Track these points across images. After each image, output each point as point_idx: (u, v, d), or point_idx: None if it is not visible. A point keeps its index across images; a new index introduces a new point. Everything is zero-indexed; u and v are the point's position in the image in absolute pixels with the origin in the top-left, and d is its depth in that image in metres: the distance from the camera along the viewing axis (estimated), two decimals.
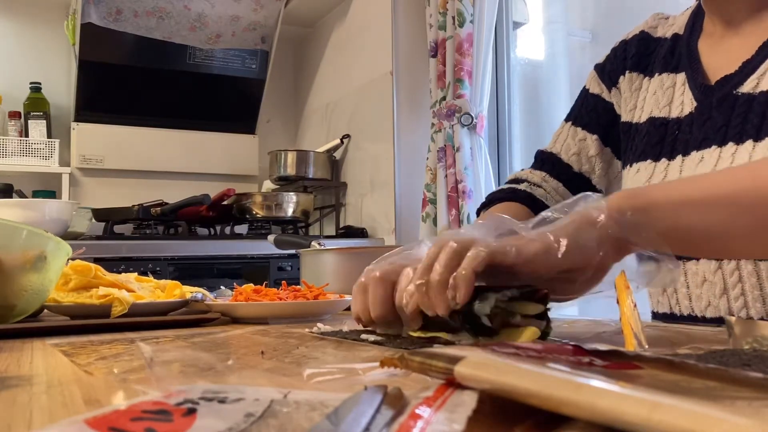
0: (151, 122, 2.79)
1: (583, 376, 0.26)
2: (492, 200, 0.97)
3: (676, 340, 0.56)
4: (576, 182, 0.96)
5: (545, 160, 0.99)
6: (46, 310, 0.83)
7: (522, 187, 0.96)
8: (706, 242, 0.57)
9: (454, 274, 0.50)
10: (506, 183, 1.01)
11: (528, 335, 0.51)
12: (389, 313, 0.58)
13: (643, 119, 0.87)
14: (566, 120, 0.99)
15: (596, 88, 0.96)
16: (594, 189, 0.95)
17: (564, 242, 0.51)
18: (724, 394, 0.26)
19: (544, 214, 0.56)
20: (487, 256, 0.50)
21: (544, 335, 0.52)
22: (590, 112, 0.96)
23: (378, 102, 2.39)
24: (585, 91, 0.98)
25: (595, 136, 0.95)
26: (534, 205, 0.92)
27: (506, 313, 0.51)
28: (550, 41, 2.24)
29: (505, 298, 0.50)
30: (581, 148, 0.96)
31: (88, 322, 0.73)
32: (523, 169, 1.02)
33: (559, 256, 0.50)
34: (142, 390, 0.38)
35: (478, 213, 1.01)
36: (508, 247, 0.51)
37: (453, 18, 2.05)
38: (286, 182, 2.63)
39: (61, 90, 2.71)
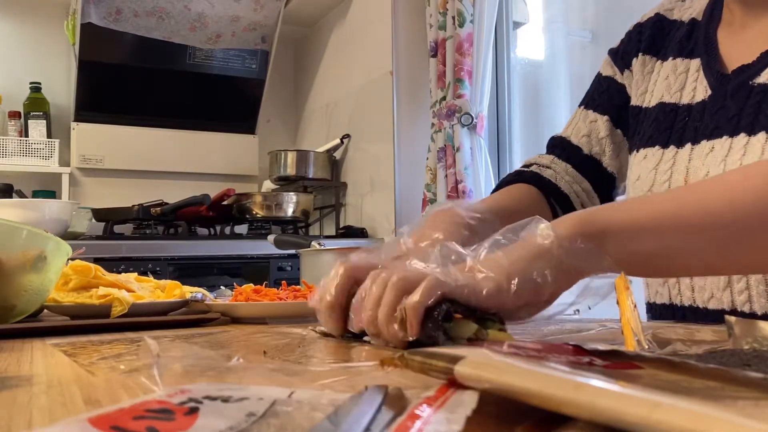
0: (151, 122, 2.79)
1: (583, 376, 0.26)
2: (500, 186, 0.96)
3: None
4: (586, 164, 0.94)
5: (555, 145, 0.98)
6: (46, 310, 0.83)
7: (531, 169, 0.95)
8: (665, 266, 0.57)
9: (402, 306, 0.49)
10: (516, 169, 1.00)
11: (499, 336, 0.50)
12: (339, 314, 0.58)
13: (653, 104, 0.85)
14: (579, 105, 0.98)
15: (609, 70, 0.95)
16: (605, 171, 0.93)
17: (515, 282, 0.49)
18: (724, 394, 0.26)
19: (495, 236, 0.54)
20: (439, 294, 0.49)
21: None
22: (602, 94, 0.95)
23: (378, 102, 2.39)
24: (598, 75, 0.97)
25: (605, 117, 0.93)
26: (540, 183, 0.91)
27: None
28: (550, 41, 2.24)
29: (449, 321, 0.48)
30: (591, 129, 0.94)
31: (88, 322, 0.73)
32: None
33: (511, 295, 0.49)
34: (143, 389, 0.38)
35: None
36: (460, 287, 0.49)
37: (453, 18, 2.05)
38: (286, 182, 2.63)
39: (61, 90, 2.71)
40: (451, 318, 0.48)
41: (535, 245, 0.51)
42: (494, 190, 0.97)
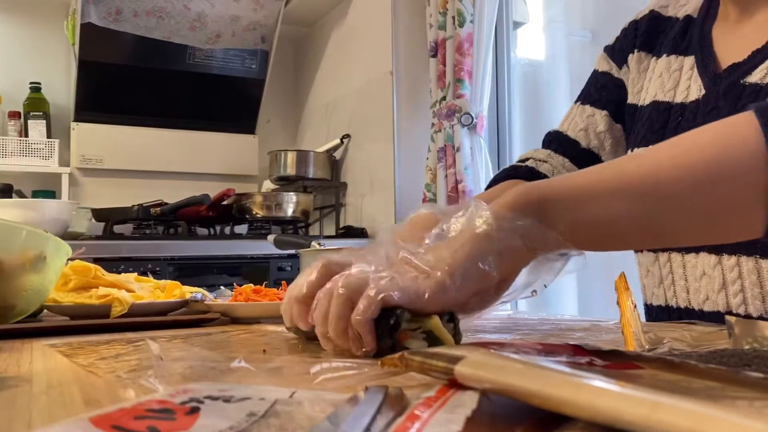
0: (151, 122, 2.79)
1: (583, 376, 0.26)
2: (495, 181, 0.95)
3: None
4: (584, 159, 0.93)
5: (552, 140, 0.97)
6: (45, 311, 0.83)
7: (526, 164, 0.94)
8: (608, 235, 0.51)
9: (352, 322, 0.47)
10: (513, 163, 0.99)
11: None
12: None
13: (647, 102, 0.85)
14: (575, 101, 0.98)
15: (605, 66, 0.95)
16: None
17: (458, 275, 0.46)
18: (724, 394, 0.26)
19: (438, 227, 0.50)
20: (380, 303, 0.46)
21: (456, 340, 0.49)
22: (599, 90, 0.95)
23: (378, 102, 2.39)
24: (594, 72, 0.97)
25: (604, 112, 0.93)
26: (535, 179, 0.88)
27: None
28: (550, 41, 2.23)
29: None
30: (589, 124, 0.94)
31: (88, 323, 0.73)
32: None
33: (455, 290, 0.46)
34: (143, 390, 0.38)
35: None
36: (402, 293, 0.46)
37: (453, 18, 2.05)
38: (286, 182, 2.63)
39: (61, 90, 2.71)
40: (399, 326, 0.47)
41: (474, 232, 0.47)
42: (488, 186, 0.96)
